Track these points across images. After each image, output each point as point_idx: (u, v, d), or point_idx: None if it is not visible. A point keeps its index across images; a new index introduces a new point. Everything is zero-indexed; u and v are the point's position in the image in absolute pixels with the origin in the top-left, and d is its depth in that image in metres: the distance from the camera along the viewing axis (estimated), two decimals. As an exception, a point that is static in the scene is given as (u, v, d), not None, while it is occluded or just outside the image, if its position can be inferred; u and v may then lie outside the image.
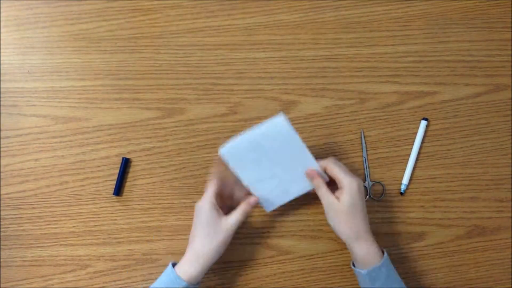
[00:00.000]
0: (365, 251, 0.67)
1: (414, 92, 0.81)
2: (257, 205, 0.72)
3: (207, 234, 0.67)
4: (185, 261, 0.67)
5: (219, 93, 0.80)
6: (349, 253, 0.75)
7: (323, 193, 0.69)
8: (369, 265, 0.67)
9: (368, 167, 0.78)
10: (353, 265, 0.71)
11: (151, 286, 0.67)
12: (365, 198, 0.73)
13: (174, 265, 0.68)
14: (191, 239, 0.69)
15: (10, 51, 0.79)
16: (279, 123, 0.68)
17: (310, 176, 0.71)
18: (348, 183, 0.67)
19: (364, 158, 0.77)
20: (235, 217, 0.68)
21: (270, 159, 0.70)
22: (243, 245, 0.77)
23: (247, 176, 0.71)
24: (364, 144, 0.78)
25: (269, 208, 0.73)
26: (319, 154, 0.79)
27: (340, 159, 0.79)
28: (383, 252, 0.69)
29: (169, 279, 0.66)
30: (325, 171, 0.71)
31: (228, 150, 0.68)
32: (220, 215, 0.68)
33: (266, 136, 0.68)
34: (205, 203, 0.68)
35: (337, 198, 0.68)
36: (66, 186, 0.77)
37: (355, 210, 0.67)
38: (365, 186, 0.77)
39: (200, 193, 0.77)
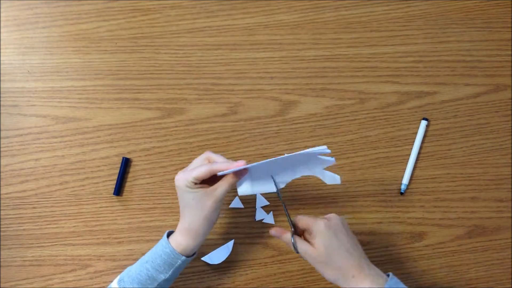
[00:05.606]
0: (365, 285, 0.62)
1: (414, 92, 0.81)
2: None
3: (192, 211, 0.65)
4: (179, 234, 0.66)
5: (219, 93, 0.80)
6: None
7: (296, 242, 0.64)
8: None
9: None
10: None
11: (146, 258, 0.66)
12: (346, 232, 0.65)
13: (169, 234, 0.67)
14: (180, 213, 0.67)
15: (10, 51, 0.79)
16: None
17: (277, 234, 0.67)
18: (315, 225, 0.64)
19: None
20: (221, 188, 0.64)
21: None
22: (243, 245, 0.77)
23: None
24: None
25: (242, 192, 0.68)
26: (319, 154, 0.79)
27: (339, 159, 0.79)
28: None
29: (165, 252, 0.65)
30: (296, 227, 0.67)
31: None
32: (202, 189, 0.64)
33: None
34: (184, 182, 0.64)
35: (312, 244, 0.64)
36: (66, 186, 0.77)
37: (333, 250, 0.63)
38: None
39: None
